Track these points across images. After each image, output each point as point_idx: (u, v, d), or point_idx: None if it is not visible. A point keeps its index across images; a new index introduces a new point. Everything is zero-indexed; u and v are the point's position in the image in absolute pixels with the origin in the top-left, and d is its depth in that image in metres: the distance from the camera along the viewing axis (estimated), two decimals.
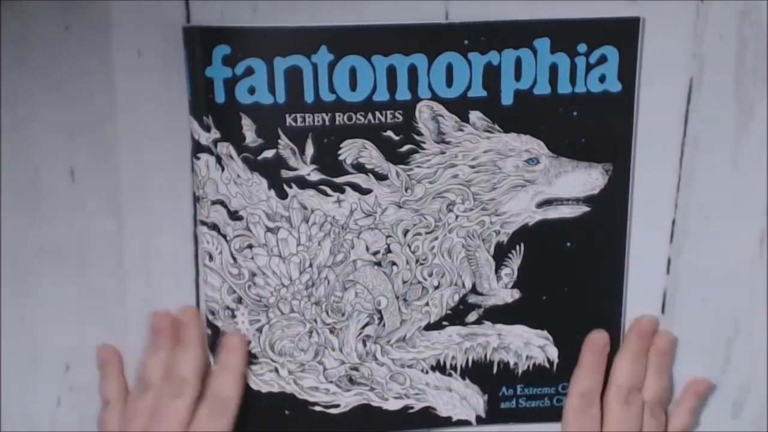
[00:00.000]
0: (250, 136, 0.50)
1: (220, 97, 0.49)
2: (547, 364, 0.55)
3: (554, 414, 0.56)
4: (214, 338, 0.53)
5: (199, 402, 0.51)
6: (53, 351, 0.54)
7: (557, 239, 0.53)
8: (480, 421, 0.56)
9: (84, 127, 0.51)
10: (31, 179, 0.51)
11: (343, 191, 0.51)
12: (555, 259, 0.53)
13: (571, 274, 0.54)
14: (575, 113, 0.51)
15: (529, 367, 0.55)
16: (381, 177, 0.51)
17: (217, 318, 0.53)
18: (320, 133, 0.50)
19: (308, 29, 0.48)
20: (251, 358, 0.53)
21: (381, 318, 0.54)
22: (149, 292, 0.53)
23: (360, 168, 0.51)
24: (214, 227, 0.51)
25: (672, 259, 0.55)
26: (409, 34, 0.49)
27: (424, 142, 0.51)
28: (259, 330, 0.53)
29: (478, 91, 0.50)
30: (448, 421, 0.56)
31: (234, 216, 0.51)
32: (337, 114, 0.50)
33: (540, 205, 0.52)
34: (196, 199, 0.51)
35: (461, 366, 0.55)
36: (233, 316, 0.53)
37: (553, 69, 0.50)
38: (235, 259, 0.52)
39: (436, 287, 0.53)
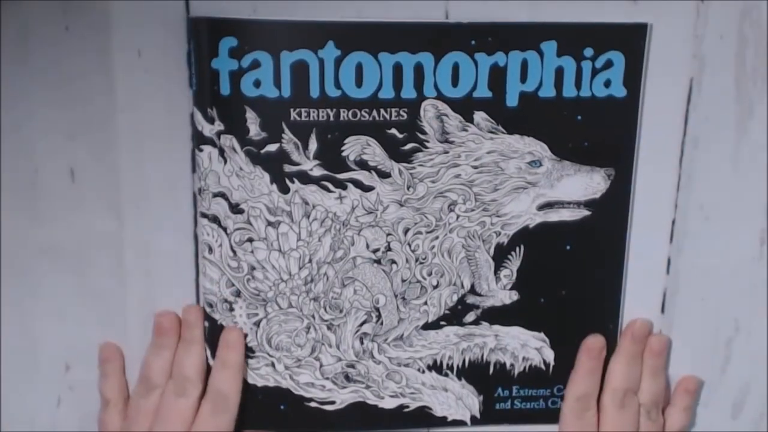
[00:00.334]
0: (254, 130, 0.50)
1: (225, 89, 0.49)
2: (543, 366, 0.55)
3: (549, 416, 0.56)
4: (211, 331, 0.53)
5: (201, 400, 0.51)
6: (53, 351, 0.54)
7: (557, 242, 0.53)
8: (475, 421, 0.56)
9: (84, 127, 0.51)
10: (31, 179, 0.51)
11: (345, 188, 0.51)
12: (554, 262, 0.53)
13: (570, 277, 0.54)
14: (579, 117, 0.51)
15: (525, 368, 0.55)
16: (383, 174, 0.51)
17: (214, 311, 0.53)
18: (324, 129, 0.50)
19: (316, 24, 0.48)
20: (248, 352, 0.53)
21: (379, 316, 0.54)
22: (149, 292, 0.53)
23: (363, 165, 0.51)
24: (215, 220, 0.51)
25: (672, 259, 0.55)
26: (416, 33, 0.49)
27: (427, 141, 0.51)
28: (257, 324, 0.53)
29: (483, 92, 0.50)
30: (443, 421, 0.56)
31: (235, 209, 0.51)
32: (341, 110, 0.50)
33: (541, 207, 0.52)
34: (198, 191, 0.51)
35: (458, 366, 0.55)
36: (231, 310, 0.53)
37: (559, 72, 0.50)
38: (234, 252, 0.52)
39: (435, 287, 0.53)
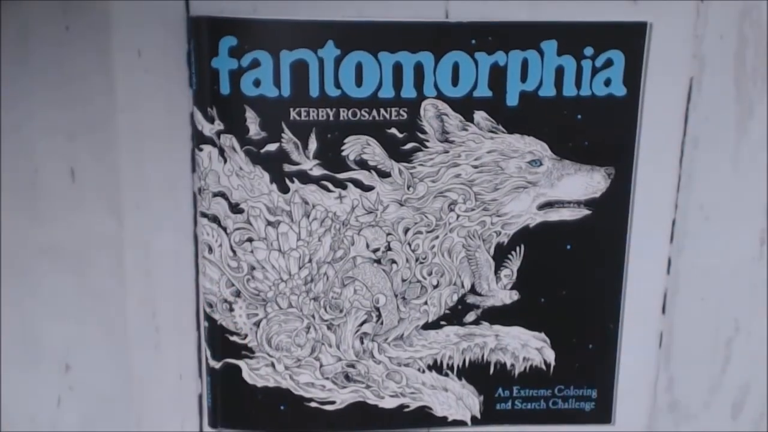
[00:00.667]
0: (254, 129, 0.50)
1: (225, 88, 0.49)
2: (543, 367, 0.55)
3: (550, 416, 0.56)
4: (211, 331, 0.53)
5: None
6: (53, 351, 0.54)
7: (557, 241, 0.53)
8: (475, 421, 0.56)
9: (84, 127, 0.51)
10: (31, 179, 0.51)
11: (345, 187, 0.51)
12: (555, 261, 0.53)
13: (571, 277, 0.54)
14: (579, 116, 0.51)
15: (525, 368, 0.55)
16: (383, 174, 0.51)
17: (214, 311, 0.53)
18: (324, 128, 0.50)
19: (316, 23, 0.48)
20: (248, 352, 0.53)
21: (379, 316, 0.54)
22: (149, 292, 0.53)
23: (363, 164, 0.51)
24: (215, 219, 0.51)
25: (672, 259, 0.55)
26: (416, 32, 0.49)
27: (427, 141, 0.51)
28: (257, 324, 0.53)
29: (483, 91, 0.50)
30: (443, 421, 0.56)
31: (235, 209, 0.51)
32: (341, 109, 0.50)
33: (541, 207, 0.52)
34: (198, 191, 0.51)
35: (458, 366, 0.55)
36: (231, 310, 0.53)
37: (559, 71, 0.50)
38: (234, 252, 0.52)
39: (435, 286, 0.53)
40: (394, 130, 0.50)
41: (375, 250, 0.52)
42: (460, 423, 0.56)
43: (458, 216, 0.52)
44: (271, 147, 0.50)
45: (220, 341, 0.53)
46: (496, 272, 0.53)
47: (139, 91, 0.50)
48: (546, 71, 0.50)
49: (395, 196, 0.51)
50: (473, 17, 0.49)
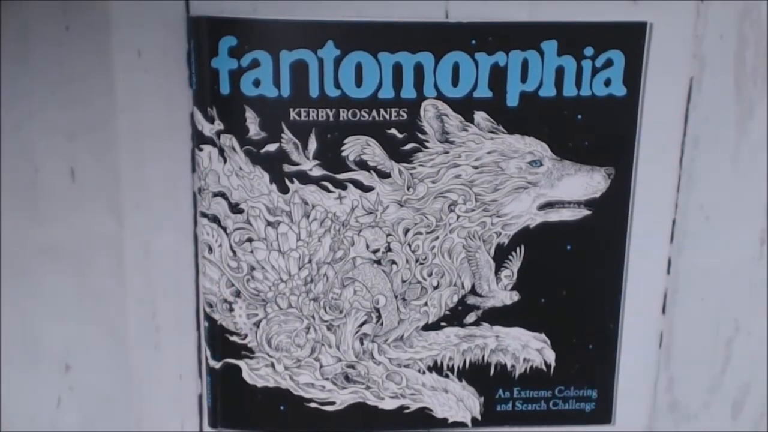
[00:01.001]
0: (254, 129, 0.50)
1: (225, 88, 0.49)
2: (544, 368, 0.55)
3: (550, 417, 0.56)
4: (211, 331, 0.53)
5: None
6: (53, 351, 0.54)
7: (558, 242, 0.53)
8: (476, 423, 0.56)
9: (84, 127, 0.51)
10: (31, 179, 0.51)
11: (344, 188, 0.51)
12: (555, 262, 0.53)
13: (571, 277, 0.54)
14: (580, 116, 0.51)
15: (526, 369, 0.55)
16: (383, 175, 0.51)
17: (214, 311, 0.53)
18: (324, 129, 0.50)
19: (315, 23, 0.48)
20: (248, 353, 0.53)
21: (379, 317, 0.54)
22: (149, 292, 0.53)
23: (362, 165, 0.51)
24: (215, 219, 0.51)
25: (672, 259, 0.55)
26: (416, 32, 0.49)
27: (427, 141, 0.51)
28: (257, 324, 0.53)
29: (483, 92, 0.50)
30: (443, 423, 0.56)
31: (235, 209, 0.51)
32: (341, 110, 0.50)
33: (542, 207, 0.52)
34: (198, 191, 0.51)
35: (458, 367, 0.55)
36: (231, 310, 0.53)
37: (560, 71, 0.50)
38: (234, 252, 0.52)
39: (436, 287, 0.53)
40: (394, 131, 0.50)
41: (375, 251, 0.52)
42: (461, 424, 0.56)
43: (458, 217, 0.52)
44: (271, 147, 0.50)
45: (220, 341, 0.53)
46: (496, 273, 0.53)
47: (139, 91, 0.50)
48: (546, 71, 0.50)
49: (395, 196, 0.51)
50: (473, 17, 0.49)
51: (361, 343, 0.54)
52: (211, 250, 0.52)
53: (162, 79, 0.50)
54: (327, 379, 0.54)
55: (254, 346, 0.53)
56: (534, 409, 0.56)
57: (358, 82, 0.49)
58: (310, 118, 0.50)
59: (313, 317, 0.53)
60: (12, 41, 0.49)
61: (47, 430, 0.55)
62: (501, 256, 0.53)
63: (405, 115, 0.50)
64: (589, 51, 0.50)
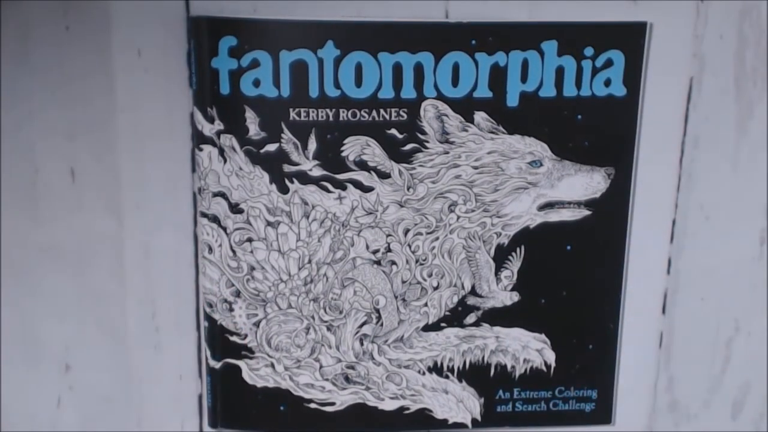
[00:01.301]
0: (254, 129, 0.50)
1: (225, 88, 0.49)
2: (544, 368, 0.55)
3: (551, 418, 0.56)
4: (211, 331, 0.53)
5: None
6: (53, 351, 0.54)
7: (558, 242, 0.53)
8: (476, 424, 0.56)
9: (84, 127, 0.51)
10: (31, 179, 0.51)
11: (344, 188, 0.51)
12: (555, 262, 0.53)
13: (571, 277, 0.54)
14: (580, 116, 0.51)
15: (526, 370, 0.55)
16: (383, 175, 0.51)
17: (214, 311, 0.53)
18: (324, 129, 0.50)
19: (315, 23, 0.48)
20: (248, 353, 0.53)
21: (379, 317, 0.53)
22: (149, 292, 0.53)
23: (362, 165, 0.51)
24: (215, 219, 0.51)
25: (672, 259, 0.55)
26: (416, 33, 0.49)
27: (427, 142, 0.51)
28: (257, 324, 0.53)
29: (483, 92, 0.50)
30: (443, 424, 0.56)
31: (235, 209, 0.51)
32: (341, 110, 0.50)
33: (542, 207, 0.52)
34: (198, 191, 0.51)
35: (458, 368, 0.55)
36: (231, 310, 0.53)
37: (560, 71, 0.50)
38: (234, 252, 0.52)
39: (436, 288, 0.53)
40: (394, 131, 0.50)
41: (375, 252, 0.52)
42: (461, 425, 0.56)
43: (458, 217, 0.52)
44: (271, 147, 0.50)
45: (220, 341, 0.53)
46: (496, 273, 0.53)
47: (139, 91, 0.50)
48: (546, 72, 0.50)
49: (395, 197, 0.51)
50: (473, 17, 0.49)
51: (361, 344, 0.54)
52: (211, 250, 0.52)
53: (162, 79, 0.50)
54: (327, 379, 0.54)
55: (254, 347, 0.53)
56: (534, 410, 0.56)
57: (358, 82, 0.49)
58: (310, 118, 0.50)
59: (312, 318, 0.53)
60: (12, 41, 0.49)
61: (47, 430, 0.55)
62: (501, 256, 0.53)
63: (405, 116, 0.50)
64: (589, 51, 0.50)
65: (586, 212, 0.52)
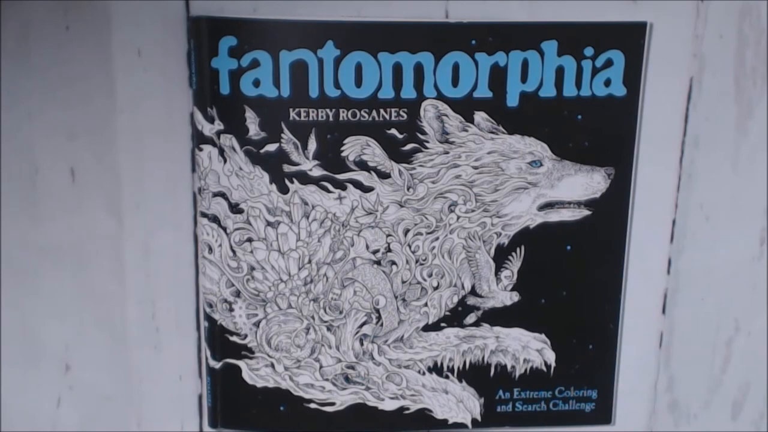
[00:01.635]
0: (254, 129, 0.50)
1: (225, 88, 0.49)
2: (544, 368, 0.55)
3: (551, 418, 0.56)
4: (211, 331, 0.53)
5: None
6: (53, 351, 0.54)
7: (558, 242, 0.53)
8: (476, 424, 0.56)
9: (84, 127, 0.51)
10: (31, 179, 0.51)
11: (344, 188, 0.51)
12: (555, 262, 0.53)
13: (571, 277, 0.54)
14: (580, 116, 0.51)
15: (526, 370, 0.55)
16: (383, 175, 0.51)
17: (214, 311, 0.53)
18: (324, 129, 0.50)
19: (315, 23, 0.48)
20: (248, 353, 0.53)
21: (379, 317, 0.53)
22: (149, 292, 0.53)
23: (362, 165, 0.51)
24: (215, 219, 0.51)
25: (672, 259, 0.55)
26: (416, 33, 0.49)
27: (427, 142, 0.51)
28: (257, 324, 0.53)
29: (483, 92, 0.50)
30: (443, 424, 0.56)
31: (235, 209, 0.51)
32: (341, 110, 0.50)
33: (542, 207, 0.52)
34: (198, 191, 0.51)
35: (458, 368, 0.55)
36: (231, 310, 0.53)
37: (560, 71, 0.50)
38: (234, 252, 0.52)
39: (436, 288, 0.53)
40: (394, 131, 0.50)
41: (375, 252, 0.52)
42: (461, 425, 0.56)
43: (458, 217, 0.52)
44: (271, 147, 0.50)
45: (220, 341, 0.53)
46: (496, 273, 0.53)
47: (139, 91, 0.50)
48: (546, 72, 0.50)
49: (395, 197, 0.51)
50: (473, 17, 0.49)
51: (361, 344, 0.54)
52: (211, 250, 0.52)
53: (162, 79, 0.50)
54: (327, 379, 0.54)
55: (254, 347, 0.53)
56: (534, 410, 0.56)
57: (358, 82, 0.49)
58: (310, 119, 0.50)
59: (312, 318, 0.53)
60: (12, 41, 0.49)
61: (47, 430, 0.55)
62: (501, 256, 0.53)
63: (405, 116, 0.50)
64: (589, 51, 0.50)
65: (586, 212, 0.52)
